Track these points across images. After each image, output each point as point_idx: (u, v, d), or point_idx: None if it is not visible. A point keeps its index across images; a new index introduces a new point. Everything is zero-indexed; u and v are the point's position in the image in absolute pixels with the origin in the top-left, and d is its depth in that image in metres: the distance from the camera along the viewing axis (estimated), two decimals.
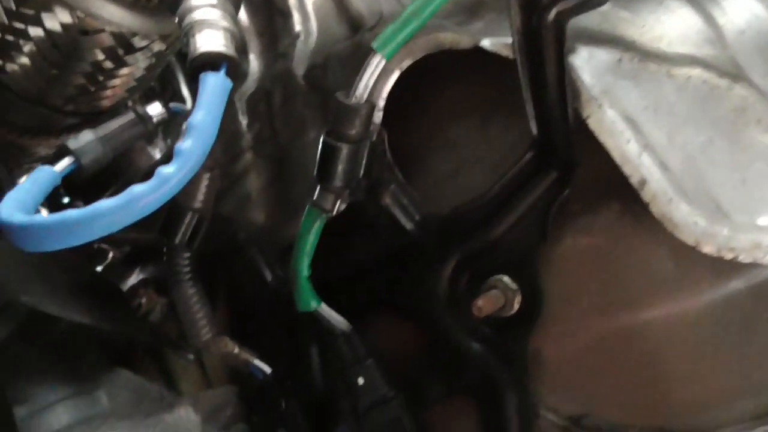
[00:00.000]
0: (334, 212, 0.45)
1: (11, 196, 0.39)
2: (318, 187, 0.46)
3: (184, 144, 0.37)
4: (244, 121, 0.60)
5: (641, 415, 0.48)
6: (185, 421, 0.59)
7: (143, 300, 0.89)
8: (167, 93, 0.65)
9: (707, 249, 0.41)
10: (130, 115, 0.48)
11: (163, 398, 0.64)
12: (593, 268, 0.49)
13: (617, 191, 0.46)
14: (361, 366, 0.50)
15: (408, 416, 0.50)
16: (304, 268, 0.48)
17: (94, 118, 0.54)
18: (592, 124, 0.42)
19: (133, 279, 0.90)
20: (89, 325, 0.60)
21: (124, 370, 0.68)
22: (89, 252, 0.87)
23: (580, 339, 0.49)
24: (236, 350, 0.52)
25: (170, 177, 0.36)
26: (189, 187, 0.47)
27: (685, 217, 0.41)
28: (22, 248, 0.37)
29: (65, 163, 0.45)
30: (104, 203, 0.35)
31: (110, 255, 0.84)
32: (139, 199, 0.35)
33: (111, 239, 0.76)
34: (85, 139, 0.45)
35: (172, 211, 0.50)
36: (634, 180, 0.41)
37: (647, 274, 0.48)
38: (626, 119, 0.42)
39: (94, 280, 0.76)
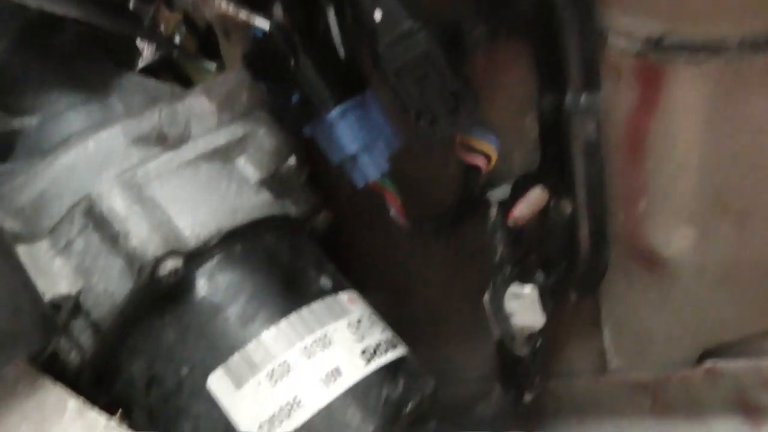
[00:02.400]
0: None
1: None
2: None
3: None
4: None
5: (744, 18, 0.35)
6: (198, 109, 0.48)
7: (161, 26, 0.77)
8: None
9: None
10: None
11: (175, 94, 0.53)
12: None
13: None
14: None
15: (438, 50, 0.37)
16: None
17: None
18: None
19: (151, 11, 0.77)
20: (88, 23, 0.49)
21: (135, 74, 0.57)
22: None
23: None
24: (230, 8, 0.40)
25: None
26: None
27: None
28: None
29: None
30: None
31: None
32: None
33: None
34: None
35: None
36: None
37: None
38: None
39: None
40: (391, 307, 0.57)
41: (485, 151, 0.41)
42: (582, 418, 0.47)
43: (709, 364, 0.41)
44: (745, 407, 0.41)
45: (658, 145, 0.38)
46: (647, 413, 0.44)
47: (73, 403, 0.27)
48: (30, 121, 0.52)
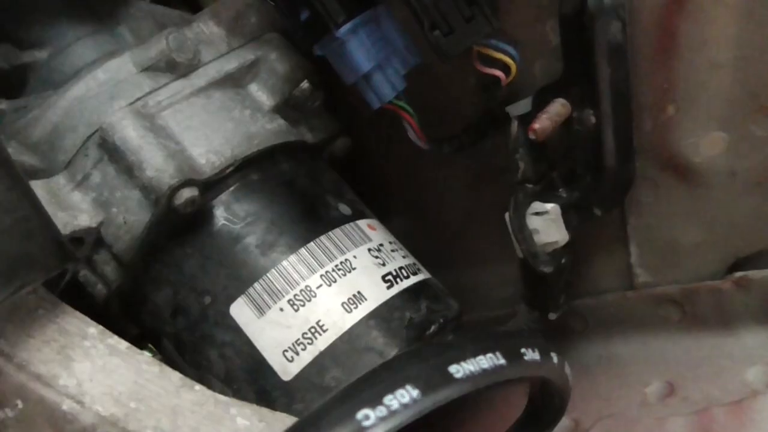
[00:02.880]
0: None
1: None
2: None
3: None
4: None
5: None
6: (207, 34, 0.46)
7: None
8: None
9: None
10: None
11: (183, 19, 0.52)
12: None
13: None
14: None
15: None
16: None
17: None
18: None
19: None
20: None
21: (144, 2, 0.55)
22: None
23: None
24: None
25: None
26: None
27: None
28: None
29: None
30: None
31: None
32: None
33: None
34: None
35: None
36: None
37: None
38: None
39: None
40: (416, 232, 0.56)
41: (504, 61, 0.39)
42: (608, 335, 0.46)
43: (738, 274, 0.40)
44: None
45: (688, 44, 0.35)
46: (675, 326, 0.43)
47: (93, 328, 0.27)
48: (41, 55, 0.52)
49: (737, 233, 0.40)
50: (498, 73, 0.39)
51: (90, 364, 0.25)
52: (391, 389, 0.21)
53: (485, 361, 0.23)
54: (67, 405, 0.25)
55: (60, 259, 0.27)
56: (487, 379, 0.24)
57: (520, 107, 0.42)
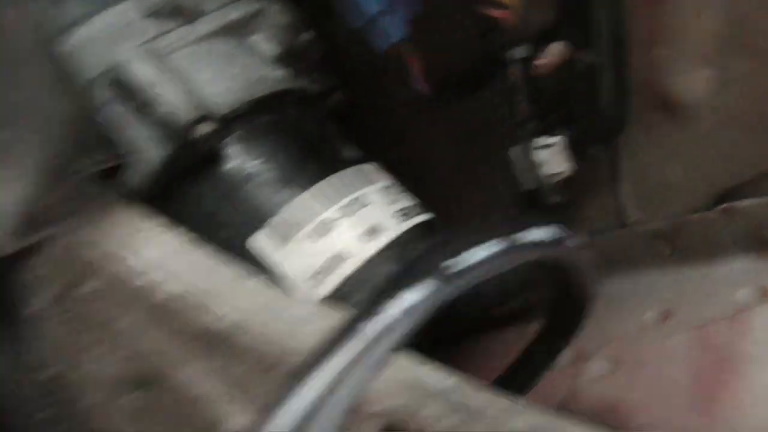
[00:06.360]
0: None
1: None
2: None
3: None
4: None
5: None
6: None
7: None
8: None
9: None
10: None
11: None
12: None
13: None
14: None
15: None
16: None
17: None
18: None
19: None
20: None
21: None
22: None
23: None
24: None
25: None
26: None
27: None
28: None
29: None
30: None
31: None
32: None
33: None
34: None
35: None
36: None
37: None
38: None
39: None
40: (406, 188, 0.58)
41: (505, 4, 0.42)
42: (603, 273, 0.49)
43: (724, 204, 0.44)
44: (760, 244, 0.43)
45: None
46: (666, 260, 0.46)
47: (155, 220, 0.28)
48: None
49: (722, 167, 0.43)
50: (499, 13, 0.42)
51: (157, 250, 0.26)
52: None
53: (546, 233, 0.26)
54: (141, 281, 0.25)
55: (107, 145, 0.28)
56: (553, 249, 0.26)
57: (520, 52, 0.45)
